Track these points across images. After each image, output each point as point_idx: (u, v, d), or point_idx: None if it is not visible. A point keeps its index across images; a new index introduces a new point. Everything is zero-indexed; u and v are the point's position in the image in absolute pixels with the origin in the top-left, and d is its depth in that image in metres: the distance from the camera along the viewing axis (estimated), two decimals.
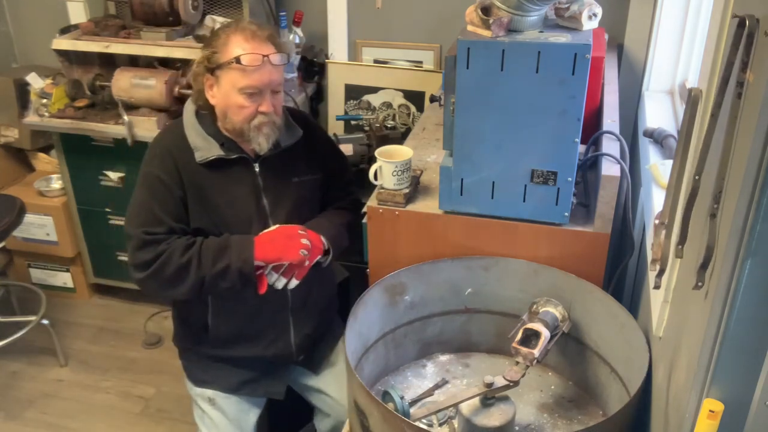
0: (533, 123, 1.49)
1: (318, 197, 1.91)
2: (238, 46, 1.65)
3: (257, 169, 1.78)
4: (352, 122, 3.09)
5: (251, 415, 1.95)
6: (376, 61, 3.05)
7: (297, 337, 1.88)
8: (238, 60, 1.63)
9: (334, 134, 2.76)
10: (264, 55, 1.65)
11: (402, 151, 1.76)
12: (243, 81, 1.65)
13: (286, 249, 1.68)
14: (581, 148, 1.59)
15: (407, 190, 1.71)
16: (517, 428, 1.47)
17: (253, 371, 1.90)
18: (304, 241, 1.69)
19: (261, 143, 1.72)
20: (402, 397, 1.41)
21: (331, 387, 1.98)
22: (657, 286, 1.21)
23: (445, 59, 1.56)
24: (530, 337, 1.45)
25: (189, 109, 1.79)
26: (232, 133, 1.74)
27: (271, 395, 1.95)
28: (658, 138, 2.03)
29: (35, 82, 2.95)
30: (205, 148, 1.73)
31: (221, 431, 1.90)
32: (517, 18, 1.46)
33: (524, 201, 1.58)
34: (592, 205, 1.66)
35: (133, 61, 2.85)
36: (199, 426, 1.95)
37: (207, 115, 1.77)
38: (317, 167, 1.89)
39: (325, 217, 1.89)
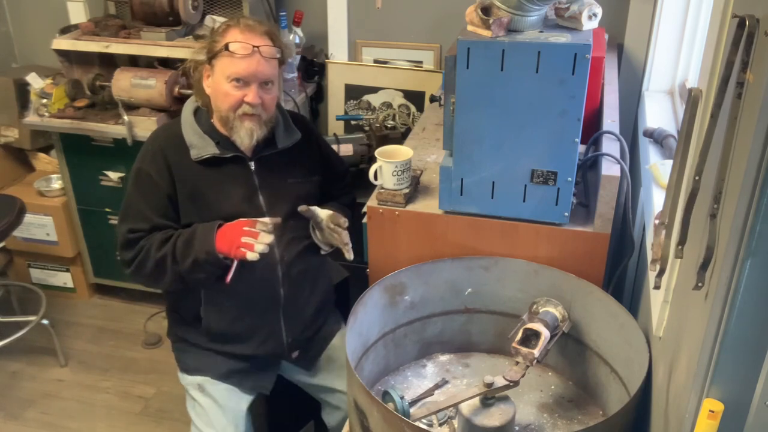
0: (533, 123, 1.49)
1: (316, 199, 1.91)
2: (232, 36, 1.69)
3: (253, 168, 1.79)
4: (352, 122, 3.09)
5: (242, 402, 1.92)
6: (376, 61, 3.05)
7: (289, 336, 1.88)
8: (227, 47, 1.66)
9: (334, 134, 2.76)
10: (254, 46, 1.67)
11: (402, 151, 1.76)
12: (230, 68, 1.67)
13: (231, 244, 1.68)
14: (581, 148, 1.59)
15: (407, 190, 1.71)
16: (517, 428, 1.47)
17: (245, 363, 1.90)
18: (245, 239, 1.67)
19: (243, 137, 1.73)
20: (402, 397, 1.41)
21: (336, 381, 1.98)
22: (657, 286, 1.21)
23: (445, 59, 1.56)
24: (530, 337, 1.45)
25: (188, 107, 1.82)
26: (222, 125, 1.75)
27: (258, 389, 1.95)
28: (658, 138, 2.03)
29: (35, 82, 2.94)
30: (200, 146, 1.74)
31: (211, 417, 1.88)
32: (517, 18, 1.46)
33: (524, 201, 1.58)
34: (592, 205, 1.66)
35: (133, 61, 2.85)
36: (190, 415, 1.94)
37: (204, 113, 1.79)
38: (315, 170, 1.90)
39: (335, 206, 1.90)
